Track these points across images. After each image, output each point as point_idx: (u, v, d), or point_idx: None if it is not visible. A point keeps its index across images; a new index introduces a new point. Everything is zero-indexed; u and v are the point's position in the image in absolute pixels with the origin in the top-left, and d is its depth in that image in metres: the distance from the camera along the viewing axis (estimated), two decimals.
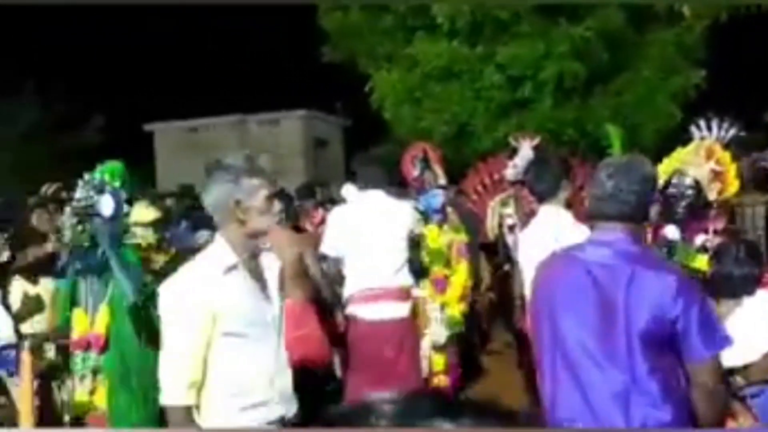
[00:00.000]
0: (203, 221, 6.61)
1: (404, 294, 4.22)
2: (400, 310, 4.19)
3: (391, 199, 4.31)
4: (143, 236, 4.45)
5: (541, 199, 3.96)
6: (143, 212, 5.03)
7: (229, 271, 2.26)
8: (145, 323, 3.31)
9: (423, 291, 4.93)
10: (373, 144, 13.64)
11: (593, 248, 2.29)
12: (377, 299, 4.08)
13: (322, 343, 4.17)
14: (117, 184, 3.46)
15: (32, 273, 4.18)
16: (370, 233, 4.09)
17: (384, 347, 4.07)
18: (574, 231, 3.43)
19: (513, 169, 6.01)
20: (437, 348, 4.91)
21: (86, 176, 3.31)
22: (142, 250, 4.25)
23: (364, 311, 4.11)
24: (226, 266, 2.26)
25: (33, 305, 4.09)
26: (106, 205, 3.35)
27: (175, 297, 2.23)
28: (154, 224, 4.74)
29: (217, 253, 2.30)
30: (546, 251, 2.62)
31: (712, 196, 3.72)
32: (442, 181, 5.36)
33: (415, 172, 5.42)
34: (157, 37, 20.28)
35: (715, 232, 3.69)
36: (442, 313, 4.91)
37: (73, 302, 3.49)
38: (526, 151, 6.37)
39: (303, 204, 7.67)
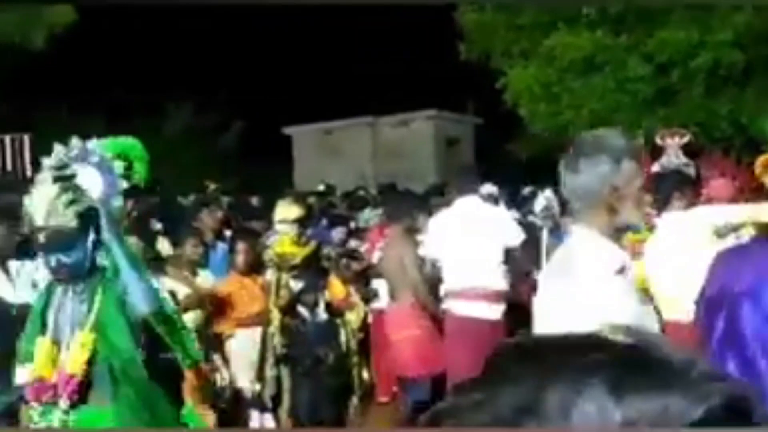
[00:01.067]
0: (340, 219, 6.78)
1: (499, 296, 4.35)
2: (495, 311, 4.30)
3: (486, 205, 4.71)
4: (285, 233, 4.59)
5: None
6: (287, 210, 5.21)
7: (621, 272, 1.91)
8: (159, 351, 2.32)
9: None
10: (505, 142, 13.41)
11: None
12: (474, 298, 4.27)
13: (434, 343, 4.23)
14: (115, 164, 2.43)
15: (190, 268, 4.21)
16: (466, 238, 4.31)
17: (477, 344, 3.92)
18: None
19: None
20: None
21: (74, 140, 2.38)
22: (282, 249, 4.34)
23: (461, 307, 4.28)
24: (619, 266, 1.90)
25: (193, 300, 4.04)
26: (91, 181, 2.33)
27: None
28: (298, 221, 4.88)
29: (602, 249, 1.91)
30: None
31: None
32: None
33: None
34: (290, 41, 21.01)
35: None
36: None
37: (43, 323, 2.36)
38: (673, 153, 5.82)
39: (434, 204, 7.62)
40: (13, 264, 3.41)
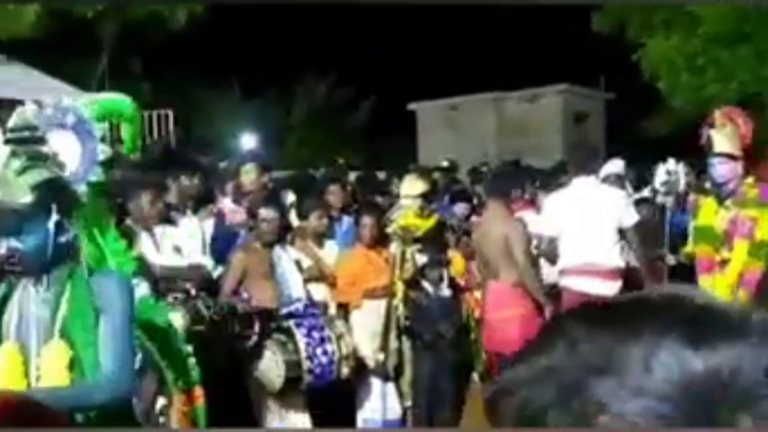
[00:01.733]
0: (463, 195, 6.75)
1: (615, 274, 4.40)
2: (610, 288, 4.26)
3: (604, 186, 4.81)
4: (409, 206, 4.65)
5: None
6: (412, 184, 5.26)
7: None
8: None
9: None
10: (638, 117, 12.74)
11: None
12: (589, 274, 4.36)
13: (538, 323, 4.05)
14: (99, 127, 1.91)
15: (316, 240, 4.31)
16: (581, 218, 4.43)
17: None
18: None
19: None
20: None
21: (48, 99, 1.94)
22: (406, 222, 4.39)
23: (577, 283, 4.35)
24: None
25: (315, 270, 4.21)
26: (66, 148, 1.84)
27: None
28: (422, 196, 4.91)
29: None
30: None
31: None
32: (722, 147, 4.29)
33: (704, 142, 4.55)
34: (413, 20, 20.92)
35: None
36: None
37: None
38: None
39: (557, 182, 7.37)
40: (158, 229, 3.70)
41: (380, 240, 4.29)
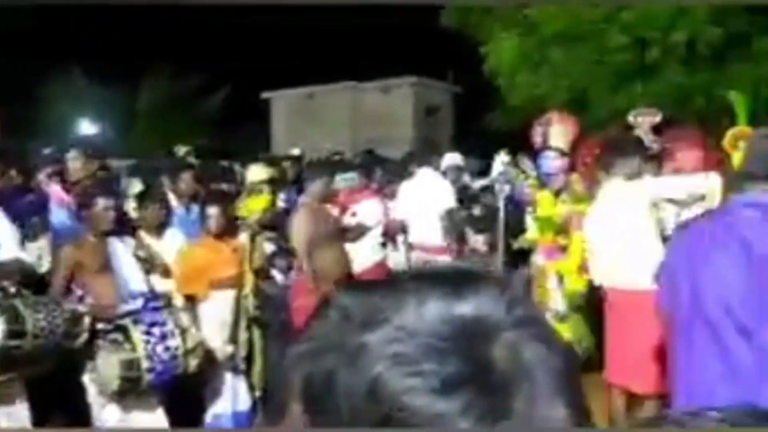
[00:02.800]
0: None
1: (442, 250, 5.28)
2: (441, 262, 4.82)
3: (436, 175, 5.72)
4: (256, 193, 4.66)
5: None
6: (259, 172, 5.27)
7: None
8: None
9: (537, 260, 4.76)
10: (485, 111, 13.42)
11: (745, 210, 2.26)
12: (425, 250, 5.43)
13: None
14: None
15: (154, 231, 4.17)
16: (419, 203, 5.46)
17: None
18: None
19: None
20: (559, 318, 4.68)
21: None
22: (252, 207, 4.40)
23: (421, 257, 5.37)
24: None
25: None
26: None
27: None
28: (269, 182, 4.95)
29: None
30: None
31: None
32: (556, 143, 4.83)
33: (536, 136, 5.06)
34: (271, 10, 20.64)
35: None
36: (560, 285, 4.61)
37: None
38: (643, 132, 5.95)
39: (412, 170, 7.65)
40: None
41: (228, 229, 4.22)
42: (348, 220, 5.61)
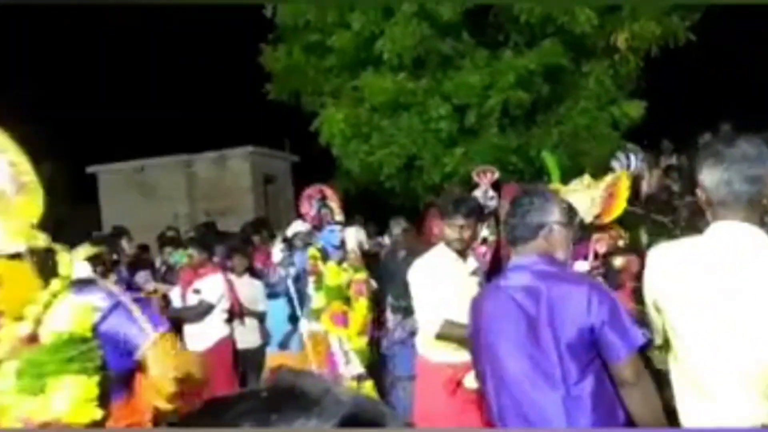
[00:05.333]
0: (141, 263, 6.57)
1: None
2: None
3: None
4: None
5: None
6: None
7: None
8: None
9: (322, 325, 5.11)
10: (323, 179, 13.65)
11: (514, 274, 2.45)
12: None
13: None
14: None
15: None
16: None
17: None
18: None
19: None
20: (360, 378, 4.96)
21: None
22: None
23: None
24: None
25: None
26: None
27: None
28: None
29: None
30: None
31: (588, 219, 3.95)
32: (339, 217, 5.55)
33: (312, 211, 5.64)
34: (99, 79, 19.96)
35: (596, 256, 3.92)
36: (343, 346, 4.98)
37: None
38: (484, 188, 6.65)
39: (251, 239, 7.62)
40: None
41: None
42: (190, 297, 5.49)
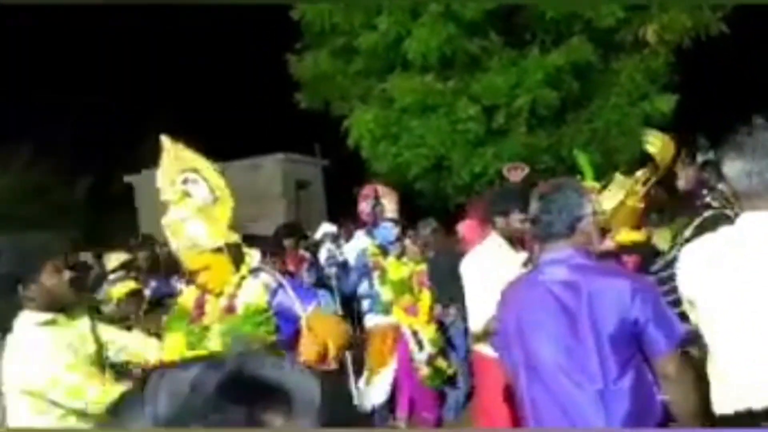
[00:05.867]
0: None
1: None
2: None
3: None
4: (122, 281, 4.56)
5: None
6: (111, 260, 5.22)
7: None
8: None
9: (393, 318, 5.43)
10: (353, 182, 13.72)
11: (550, 268, 2.42)
12: None
13: None
14: None
15: None
16: None
17: None
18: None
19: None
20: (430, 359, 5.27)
21: None
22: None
23: None
24: None
25: None
26: None
27: None
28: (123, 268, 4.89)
29: None
30: None
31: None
32: (392, 214, 5.72)
33: (367, 209, 5.81)
34: (131, 89, 20.38)
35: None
36: (415, 336, 5.28)
37: None
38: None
39: (282, 243, 7.69)
40: None
41: None
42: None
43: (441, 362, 5.45)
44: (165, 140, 3.03)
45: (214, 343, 2.70)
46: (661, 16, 9.98)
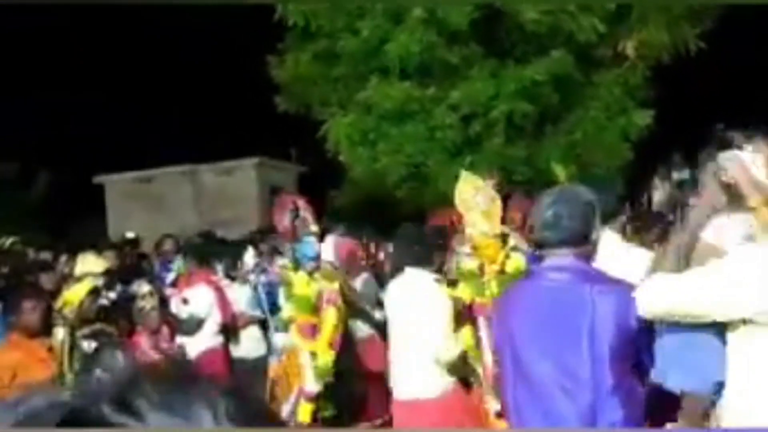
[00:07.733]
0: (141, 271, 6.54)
1: None
2: None
3: None
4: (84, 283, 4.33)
5: None
6: (94, 262, 4.96)
7: None
8: None
9: (292, 339, 4.95)
10: (328, 188, 13.60)
11: (553, 273, 2.36)
12: None
13: None
14: None
15: None
16: None
17: None
18: None
19: None
20: (308, 398, 4.76)
21: None
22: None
23: None
24: None
25: None
26: None
27: None
28: (106, 273, 4.66)
29: None
30: None
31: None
32: (313, 227, 5.30)
33: (285, 221, 5.39)
34: (107, 89, 20.06)
35: None
36: (313, 362, 4.76)
37: None
38: None
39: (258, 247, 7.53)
40: None
41: (43, 327, 3.83)
42: (179, 306, 5.45)
43: (308, 408, 4.72)
44: None
45: None
46: (641, 31, 10.02)
